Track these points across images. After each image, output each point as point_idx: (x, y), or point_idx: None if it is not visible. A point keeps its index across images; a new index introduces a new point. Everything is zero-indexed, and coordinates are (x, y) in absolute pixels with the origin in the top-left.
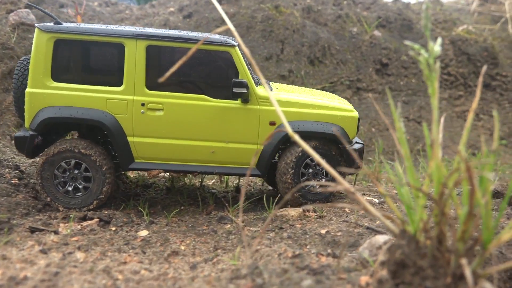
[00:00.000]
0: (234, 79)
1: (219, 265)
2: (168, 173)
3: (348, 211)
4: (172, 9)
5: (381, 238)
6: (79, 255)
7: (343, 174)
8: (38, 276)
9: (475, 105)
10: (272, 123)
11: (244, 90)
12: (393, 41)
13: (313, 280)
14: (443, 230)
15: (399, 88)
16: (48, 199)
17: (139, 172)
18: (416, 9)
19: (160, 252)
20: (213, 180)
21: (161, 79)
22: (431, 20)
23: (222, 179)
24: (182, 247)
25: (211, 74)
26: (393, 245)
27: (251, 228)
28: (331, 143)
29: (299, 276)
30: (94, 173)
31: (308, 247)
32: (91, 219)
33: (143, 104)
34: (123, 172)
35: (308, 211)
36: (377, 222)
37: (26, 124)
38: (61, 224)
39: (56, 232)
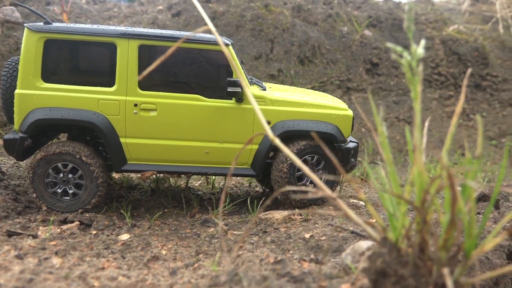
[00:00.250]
0: (228, 78)
1: (200, 270)
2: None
3: (334, 214)
4: (161, 7)
5: (364, 244)
6: (56, 260)
7: (347, 170)
8: (11, 283)
9: (459, 109)
10: (266, 122)
11: (239, 89)
12: (384, 40)
13: None
14: (425, 238)
15: (389, 88)
16: (34, 195)
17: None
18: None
19: (140, 257)
20: (200, 181)
21: (139, 77)
22: (422, 20)
23: (209, 180)
24: (164, 252)
25: (205, 74)
26: (374, 253)
27: (235, 232)
28: (326, 142)
29: (279, 284)
30: (88, 183)
31: (291, 252)
32: (72, 222)
33: (135, 105)
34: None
35: (293, 214)
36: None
37: (16, 126)
38: (41, 228)
39: (34, 236)
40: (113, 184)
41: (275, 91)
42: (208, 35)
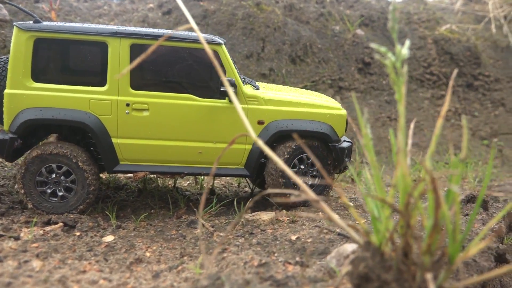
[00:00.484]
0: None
1: (184, 273)
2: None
3: (318, 217)
4: (151, 5)
5: (349, 247)
6: (36, 263)
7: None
8: None
9: (444, 111)
10: (260, 122)
11: (232, 89)
12: (376, 40)
13: None
14: (409, 242)
15: (381, 88)
16: (22, 191)
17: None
18: (399, 8)
19: (123, 260)
20: (188, 182)
21: (117, 77)
22: (415, 20)
23: (197, 180)
24: (148, 254)
25: (198, 73)
26: (357, 257)
27: (221, 234)
28: (320, 141)
29: None
30: (79, 188)
31: (276, 254)
32: (56, 223)
33: (128, 105)
34: None
35: (281, 215)
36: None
37: (5, 127)
38: (24, 229)
39: (16, 238)
40: (99, 184)
41: (269, 90)
42: (202, 34)
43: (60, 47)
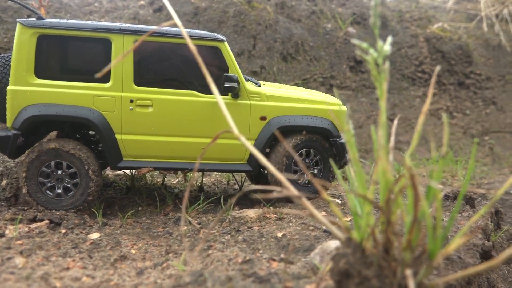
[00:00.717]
0: (225, 74)
1: (168, 270)
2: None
3: (303, 214)
4: (142, 2)
5: (332, 244)
6: (19, 260)
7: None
8: None
9: (426, 108)
10: (263, 118)
11: (235, 85)
12: (368, 38)
13: None
14: (390, 238)
15: (373, 86)
16: (24, 174)
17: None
18: (391, 6)
19: (108, 257)
20: (178, 179)
21: (98, 75)
22: (407, 18)
23: (187, 177)
24: (133, 251)
25: (201, 70)
26: (338, 253)
27: (208, 231)
28: (321, 136)
29: (244, 285)
30: (79, 193)
31: (261, 251)
32: (41, 220)
33: (131, 101)
34: None
35: (268, 212)
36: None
37: (8, 123)
38: (9, 226)
39: (1, 235)
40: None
41: (270, 87)
42: (203, 32)
43: (63, 43)
